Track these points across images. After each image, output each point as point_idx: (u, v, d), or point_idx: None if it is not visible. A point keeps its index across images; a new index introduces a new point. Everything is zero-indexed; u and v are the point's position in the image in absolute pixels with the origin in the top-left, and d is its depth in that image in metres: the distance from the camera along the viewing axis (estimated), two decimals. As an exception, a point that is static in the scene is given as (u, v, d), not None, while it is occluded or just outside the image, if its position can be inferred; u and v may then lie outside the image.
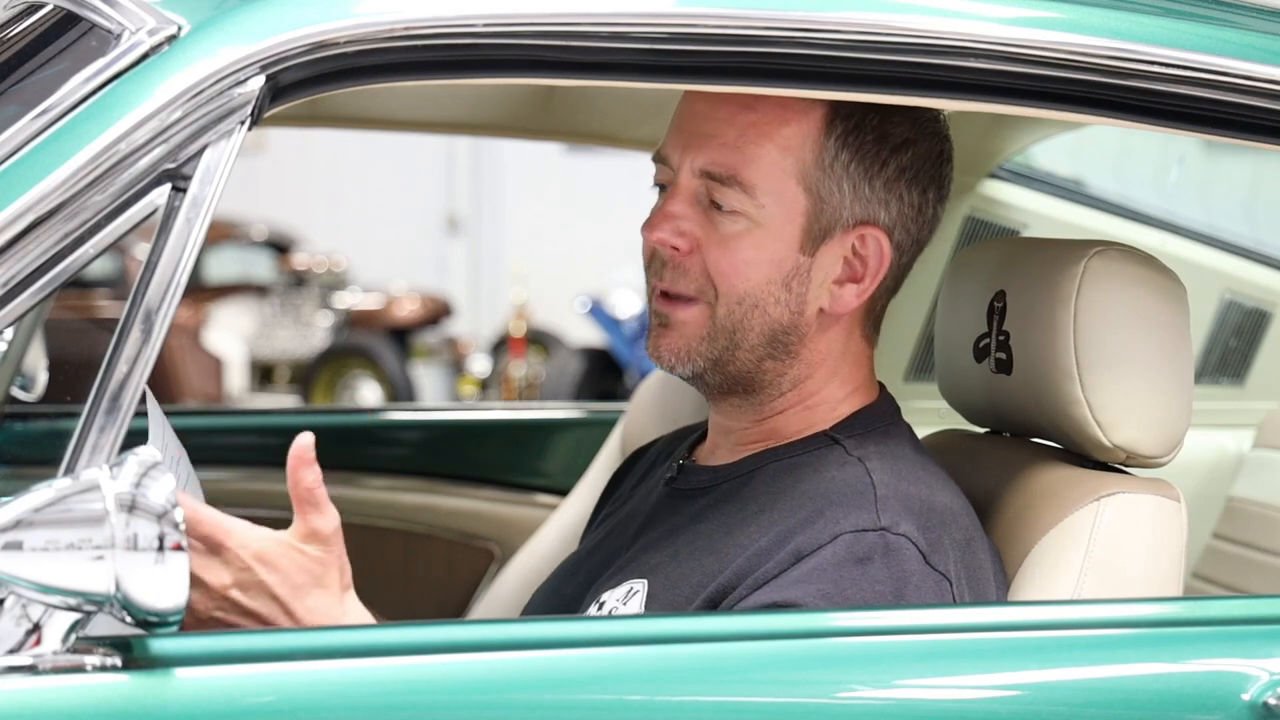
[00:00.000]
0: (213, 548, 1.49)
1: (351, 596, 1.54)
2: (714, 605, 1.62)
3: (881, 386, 1.79)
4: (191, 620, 1.50)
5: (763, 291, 1.70)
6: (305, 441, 1.53)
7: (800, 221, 1.69)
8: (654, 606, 1.67)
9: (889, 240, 1.72)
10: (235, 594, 1.49)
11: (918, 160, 1.72)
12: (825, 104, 1.69)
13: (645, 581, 1.69)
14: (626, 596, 1.69)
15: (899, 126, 1.71)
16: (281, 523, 2.87)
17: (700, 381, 1.74)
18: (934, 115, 1.75)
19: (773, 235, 1.69)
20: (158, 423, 1.64)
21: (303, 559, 1.52)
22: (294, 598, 1.50)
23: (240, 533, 1.50)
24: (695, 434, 1.90)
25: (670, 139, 1.74)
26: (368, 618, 1.54)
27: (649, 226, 1.72)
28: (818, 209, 1.70)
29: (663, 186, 1.75)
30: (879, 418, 1.75)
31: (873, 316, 1.77)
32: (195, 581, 1.47)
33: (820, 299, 1.72)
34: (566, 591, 1.83)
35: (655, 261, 1.73)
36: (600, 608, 1.71)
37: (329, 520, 1.53)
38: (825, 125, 1.69)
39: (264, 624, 1.49)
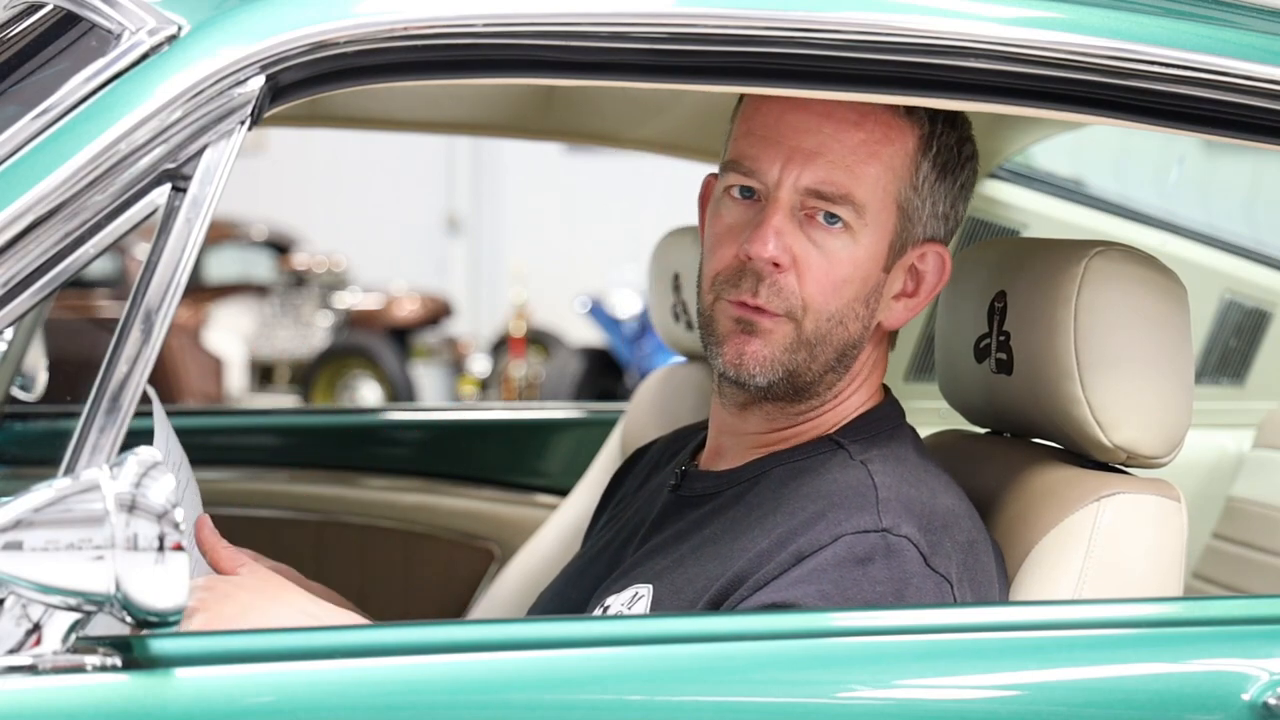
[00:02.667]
0: None
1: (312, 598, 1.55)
2: (716, 608, 1.62)
3: (886, 389, 1.80)
4: None
5: (849, 309, 1.69)
6: (206, 522, 1.59)
7: (889, 239, 1.70)
8: (659, 611, 1.67)
9: (949, 255, 1.74)
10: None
11: (971, 175, 1.76)
12: (922, 122, 1.70)
13: (650, 586, 1.69)
14: (631, 601, 1.69)
15: (966, 143, 1.74)
16: (282, 522, 2.87)
17: (766, 392, 1.71)
18: (967, 120, 1.76)
19: (868, 254, 1.69)
20: (162, 427, 1.64)
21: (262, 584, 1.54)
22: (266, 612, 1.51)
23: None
24: (696, 437, 1.89)
25: (762, 150, 1.69)
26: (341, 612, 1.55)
27: (754, 242, 1.66)
28: (903, 228, 1.71)
29: (745, 191, 1.71)
30: (883, 421, 1.75)
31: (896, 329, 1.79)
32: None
33: (881, 313, 1.73)
34: (572, 596, 1.83)
35: (746, 277, 1.68)
36: (605, 612, 1.71)
37: (253, 565, 1.56)
38: (923, 145, 1.70)
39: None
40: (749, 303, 1.68)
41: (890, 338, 1.79)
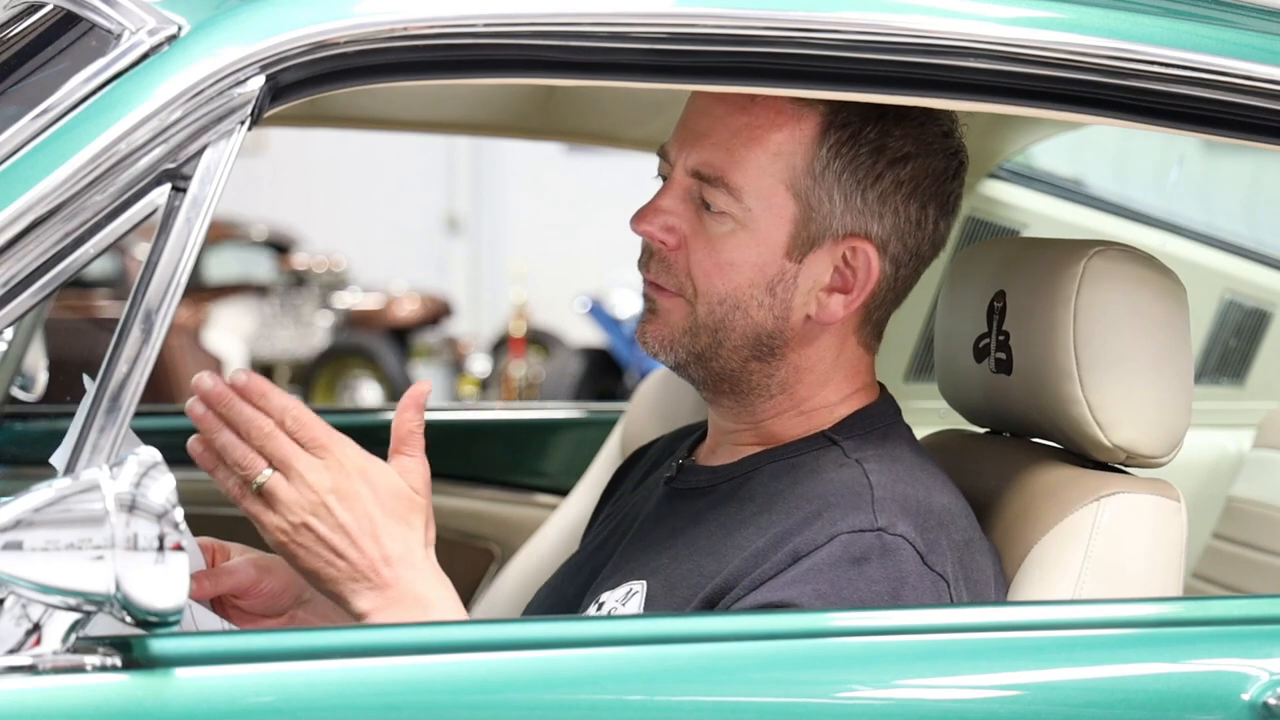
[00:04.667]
0: (317, 449, 1.52)
1: (433, 554, 1.56)
2: (711, 606, 1.62)
3: (882, 387, 1.79)
4: (262, 539, 1.53)
5: (744, 294, 1.69)
6: (423, 388, 1.59)
7: (788, 228, 1.69)
8: (653, 608, 1.67)
9: (880, 254, 1.70)
10: (331, 501, 1.51)
11: (918, 175, 1.71)
12: (820, 112, 1.68)
13: (644, 583, 1.69)
14: (626, 597, 1.69)
15: (899, 140, 1.70)
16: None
17: (686, 375, 1.75)
18: (944, 131, 1.73)
19: (758, 239, 1.68)
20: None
21: (400, 486, 1.55)
22: (383, 520, 1.53)
23: (345, 442, 1.54)
24: (695, 434, 1.90)
25: (673, 134, 1.74)
26: (446, 584, 1.55)
27: (638, 218, 1.72)
28: (806, 217, 1.69)
29: (664, 179, 1.75)
30: (878, 419, 1.75)
31: (871, 325, 1.75)
32: (285, 491, 1.51)
33: (807, 306, 1.71)
34: (567, 592, 1.83)
35: (645, 252, 1.74)
36: (599, 608, 1.71)
37: (419, 466, 1.57)
38: (819, 133, 1.68)
39: (338, 554, 1.51)
40: (647, 278, 1.73)
41: (864, 336, 1.75)
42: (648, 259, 1.73)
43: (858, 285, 1.71)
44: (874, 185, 1.69)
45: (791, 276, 1.70)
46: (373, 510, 1.53)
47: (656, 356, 1.74)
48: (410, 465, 1.57)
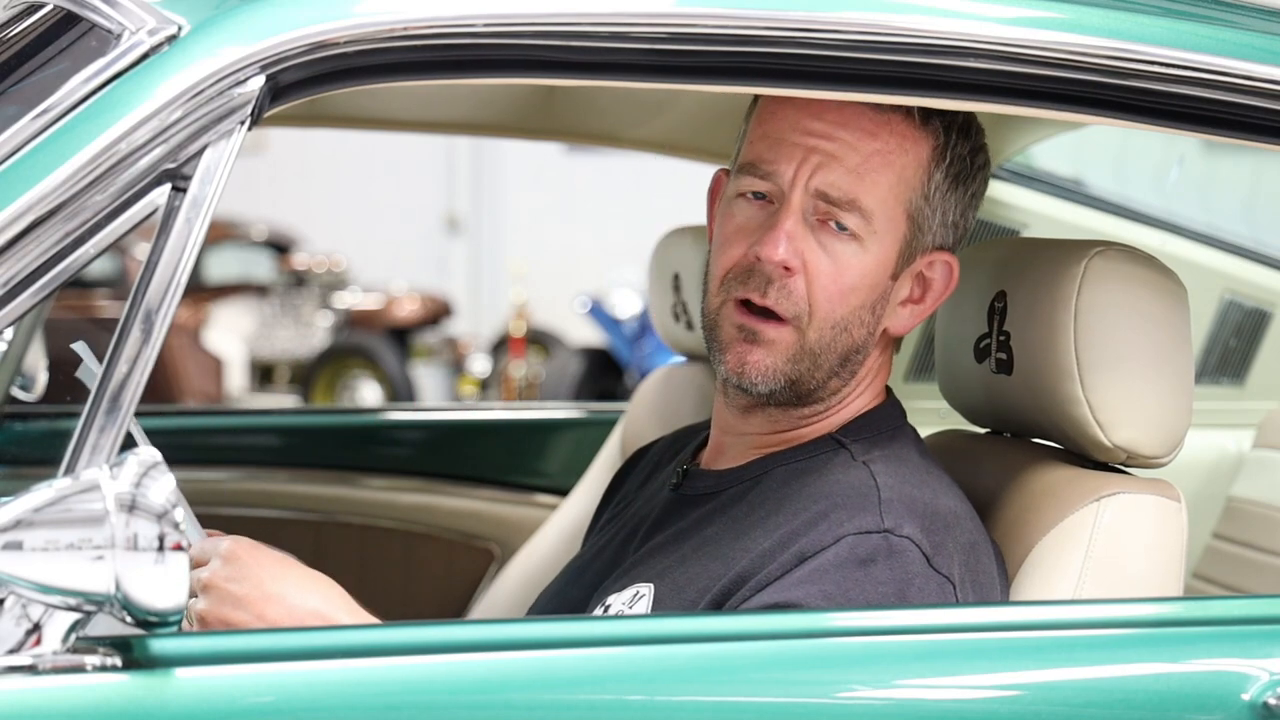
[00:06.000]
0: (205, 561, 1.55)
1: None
2: (718, 608, 1.62)
3: (888, 389, 1.80)
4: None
5: (854, 315, 1.70)
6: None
7: (898, 248, 1.70)
8: (660, 610, 1.67)
9: (957, 263, 1.74)
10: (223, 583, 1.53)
11: (984, 183, 1.76)
12: (938, 132, 1.70)
13: (651, 586, 1.69)
14: (633, 600, 1.69)
15: (978, 153, 1.75)
16: (282, 522, 2.87)
17: (767, 397, 1.71)
18: (982, 128, 1.77)
19: (876, 262, 1.69)
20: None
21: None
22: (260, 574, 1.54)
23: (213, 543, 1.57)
24: (698, 437, 1.89)
25: (778, 153, 1.69)
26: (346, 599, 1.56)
27: (768, 244, 1.67)
28: (914, 236, 1.71)
29: (758, 194, 1.71)
30: (885, 421, 1.75)
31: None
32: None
33: (888, 319, 1.73)
34: (572, 595, 1.83)
35: (754, 277, 1.68)
36: (606, 611, 1.71)
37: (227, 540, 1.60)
38: (936, 156, 1.70)
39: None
40: (756, 301, 1.68)
41: (895, 342, 1.78)
42: (762, 283, 1.67)
43: (932, 295, 1.74)
44: (963, 200, 1.74)
45: (888, 294, 1.72)
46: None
47: (755, 386, 1.69)
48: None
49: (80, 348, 1.73)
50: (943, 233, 1.73)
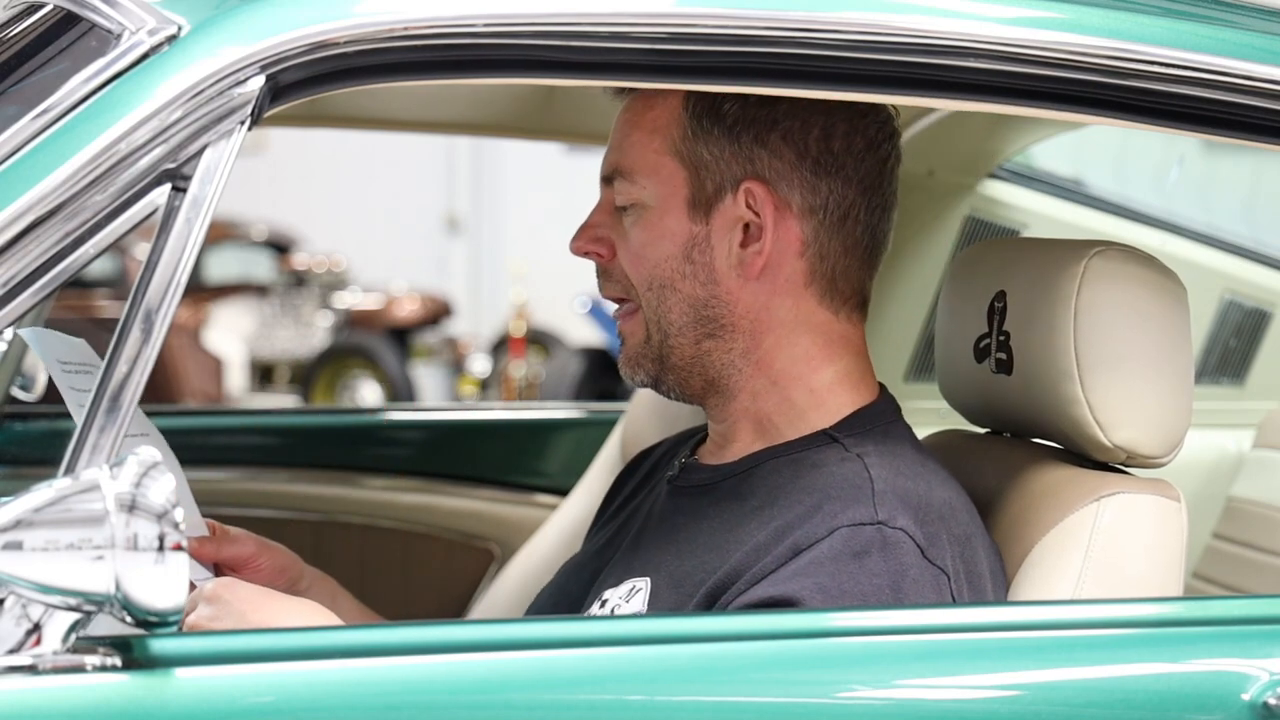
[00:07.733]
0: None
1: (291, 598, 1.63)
2: (713, 600, 1.62)
3: (882, 387, 1.79)
4: None
5: (666, 269, 1.72)
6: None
7: (683, 192, 1.72)
8: (657, 604, 1.67)
9: (771, 192, 1.70)
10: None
11: (794, 109, 1.71)
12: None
13: (648, 579, 1.69)
14: (629, 594, 1.70)
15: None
16: (282, 522, 2.87)
17: (665, 389, 1.77)
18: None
19: (660, 212, 1.72)
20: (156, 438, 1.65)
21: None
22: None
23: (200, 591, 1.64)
24: (699, 435, 1.90)
25: None
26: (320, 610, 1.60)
27: (572, 241, 1.78)
28: (696, 175, 1.72)
29: None
30: (879, 417, 1.75)
31: (826, 280, 1.73)
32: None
33: (731, 267, 1.72)
34: (571, 591, 1.84)
35: (598, 276, 1.79)
36: (603, 605, 1.72)
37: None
38: (684, 101, 1.72)
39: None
40: (607, 297, 1.78)
41: (821, 295, 1.72)
42: (600, 279, 1.78)
43: (767, 232, 1.71)
44: (748, 128, 1.71)
45: (703, 239, 1.72)
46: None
47: (634, 380, 1.78)
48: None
49: (80, 346, 1.73)
50: (739, 164, 1.70)
